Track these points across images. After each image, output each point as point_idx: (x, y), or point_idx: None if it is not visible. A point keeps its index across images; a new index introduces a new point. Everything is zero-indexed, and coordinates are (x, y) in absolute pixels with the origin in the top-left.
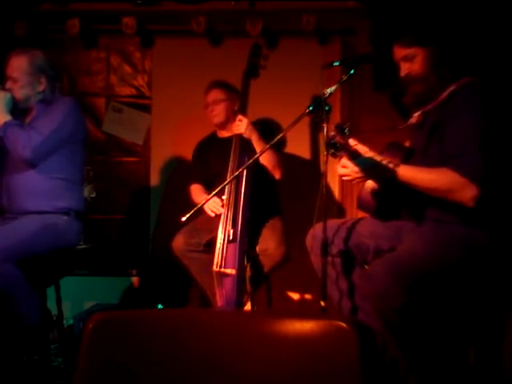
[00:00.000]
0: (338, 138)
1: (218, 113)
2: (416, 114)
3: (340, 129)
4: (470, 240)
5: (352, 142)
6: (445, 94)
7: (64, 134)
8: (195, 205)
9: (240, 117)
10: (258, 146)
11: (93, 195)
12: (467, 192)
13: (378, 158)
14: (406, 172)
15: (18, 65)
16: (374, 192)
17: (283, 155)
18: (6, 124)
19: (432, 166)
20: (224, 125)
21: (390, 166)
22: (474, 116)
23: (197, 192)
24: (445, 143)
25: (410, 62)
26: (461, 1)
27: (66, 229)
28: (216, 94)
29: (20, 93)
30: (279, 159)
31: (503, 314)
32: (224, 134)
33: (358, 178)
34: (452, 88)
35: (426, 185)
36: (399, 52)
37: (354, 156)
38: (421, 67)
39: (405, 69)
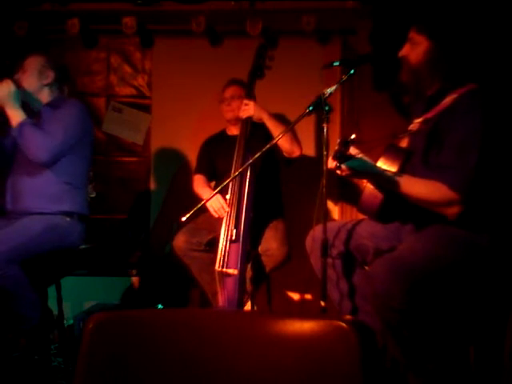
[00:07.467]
0: (343, 152)
1: (234, 108)
2: (417, 121)
3: (345, 143)
4: (470, 241)
5: (353, 150)
6: (447, 102)
7: (75, 137)
8: (197, 196)
9: (246, 101)
10: (270, 124)
11: (93, 195)
12: (454, 208)
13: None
14: (403, 182)
15: (32, 60)
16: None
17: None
18: (21, 124)
19: (431, 172)
20: (236, 121)
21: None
22: (473, 129)
23: (199, 183)
24: (442, 152)
25: (412, 47)
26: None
27: (69, 230)
28: (234, 90)
29: (27, 81)
30: (294, 134)
31: (503, 314)
32: (234, 131)
33: (347, 175)
34: (454, 96)
35: (418, 196)
36: (410, 33)
37: (348, 158)
38: (418, 57)
39: (405, 50)
